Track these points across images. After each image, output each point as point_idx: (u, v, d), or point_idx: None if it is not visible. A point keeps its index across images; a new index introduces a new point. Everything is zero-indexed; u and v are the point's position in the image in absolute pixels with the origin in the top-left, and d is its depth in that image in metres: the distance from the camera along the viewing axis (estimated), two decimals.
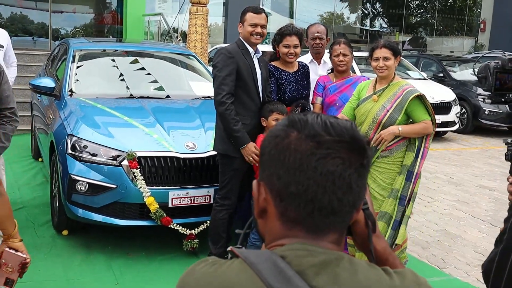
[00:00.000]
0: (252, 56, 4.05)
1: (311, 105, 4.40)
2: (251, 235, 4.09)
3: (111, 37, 16.77)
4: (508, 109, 11.72)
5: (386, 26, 23.69)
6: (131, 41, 7.03)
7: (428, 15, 24.16)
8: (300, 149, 0.96)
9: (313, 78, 4.54)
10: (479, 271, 4.48)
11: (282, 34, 4.23)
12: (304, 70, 4.40)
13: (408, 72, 12.02)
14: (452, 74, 12.94)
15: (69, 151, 4.36)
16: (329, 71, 4.50)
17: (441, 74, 12.91)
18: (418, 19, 24.38)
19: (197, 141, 4.49)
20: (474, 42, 21.73)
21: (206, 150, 4.43)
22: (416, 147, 3.79)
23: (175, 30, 12.57)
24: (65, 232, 4.71)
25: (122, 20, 13.81)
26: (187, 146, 4.41)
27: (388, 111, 3.77)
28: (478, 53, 16.65)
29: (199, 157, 4.38)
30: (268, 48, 5.28)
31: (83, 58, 5.76)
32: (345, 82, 4.30)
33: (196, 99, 5.52)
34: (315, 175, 0.95)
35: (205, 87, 5.75)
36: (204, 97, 5.56)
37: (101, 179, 4.25)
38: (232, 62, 3.91)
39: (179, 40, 11.61)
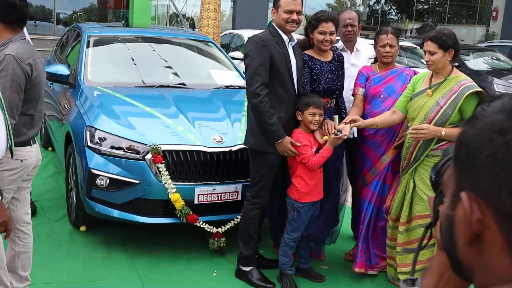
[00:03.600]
0: (287, 44, 3.78)
1: (352, 97, 4.14)
2: (285, 235, 3.84)
3: (114, 21, 16.45)
4: None
5: (397, 12, 23.34)
6: (146, 26, 6.74)
7: (437, 2, 23.80)
8: None
9: (345, 67, 4.27)
10: None
11: (318, 19, 3.93)
12: (339, 59, 4.12)
13: (423, 61, 11.74)
14: (466, 63, 12.65)
15: (89, 143, 4.10)
16: (372, 60, 4.22)
17: (456, 64, 12.61)
18: (428, 7, 24.00)
19: (224, 134, 4.23)
20: (485, 31, 21.39)
21: (234, 143, 4.17)
22: None
23: (184, 15, 12.26)
24: (83, 228, 4.47)
25: (128, 4, 13.46)
26: (214, 139, 4.15)
27: (441, 107, 3.50)
28: (491, 42, 16.36)
29: (226, 151, 4.13)
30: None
31: (98, 44, 5.47)
32: (390, 73, 4.02)
33: (218, 88, 5.25)
34: None
35: (226, 76, 5.48)
36: (226, 87, 5.30)
37: (123, 174, 4.00)
38: (266, 51, 3.64)
39: (188, 25, 11.31)
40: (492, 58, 13.52)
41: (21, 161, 2.97)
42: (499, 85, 11.57)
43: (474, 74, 12.16)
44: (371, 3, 22.94)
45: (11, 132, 2.59)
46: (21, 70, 2.83)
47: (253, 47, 3.66)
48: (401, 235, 3.72)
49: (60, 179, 5.81)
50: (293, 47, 3.84)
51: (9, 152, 2.66)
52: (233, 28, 15.03)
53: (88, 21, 15.91)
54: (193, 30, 11.82)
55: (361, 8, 22.95)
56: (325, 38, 3.89)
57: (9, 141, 2.58)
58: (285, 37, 3.76)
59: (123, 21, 6.10)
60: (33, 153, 3.06)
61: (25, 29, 5.07)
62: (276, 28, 3.77)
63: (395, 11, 23.79)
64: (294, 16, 3.70)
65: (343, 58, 4.20)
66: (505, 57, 13.76)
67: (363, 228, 4.02)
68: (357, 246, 4.12)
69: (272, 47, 3.67)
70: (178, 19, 11.78)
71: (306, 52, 4.04)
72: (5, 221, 2.34)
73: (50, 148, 6.74)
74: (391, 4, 23.45)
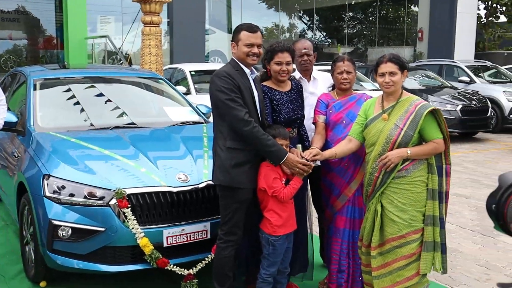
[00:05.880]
0: (249, 77, 3.75)
1: (314, 124, 4.15)
2: (261, 271, 3.75)
3: (46, 62, 16.01)
4: (460, 115, 11.96)
5: (327, 38, 23.98)
6: (84, 66, 6.55)
7: (364, 26, 24.68)
8: None
9: (304, 96, 4.29)
10: (491, 286, 4.36)
11: (273, 50, 3.94)
12: (297, 88, 4.14)
13: (361, 83, 12.07)
14: None
15: (47, 193, 3.88)
16: (330, 88, 4.27)
17: None
18: (358, 31, 24.84)
19: (189, 172, 4.12)
20: (413, 51, 22.32)
21: (200, 181, 4.07)
22: (436, 167, 3.60)
23: (122, 53, 12.08)
24: (43, 284, 4.20)
25: (63, 44, 13.14)
26: (179, 178, 4.03)
27: (402, 129, 3.56)
28: (420, 61, 17.07)
29: (193, 190, 4.02)
30: None
31: (45, 87, 5.25)
32: (349, 99, 4.07)
33: (174, 125, 5.14)
34: None
35: (181, 112, 5.39)
36: (183, 123, 5.20)
37: (87, 222, 3.80)
38: (235, 84, 3.59)
39: (128, 63, 11.14)
40: (423, 76, 14.09)
41: None
42: (434, 102, 12.01)
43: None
44: (299, 30, 23.42)
45: None
46: None
47: (223, 82, 3.57)
48: (374, 260, 3.71)
49: (9, 232, 5.48)
50: (253, 79, 3.82)
51: None
52: (171, 62, 14.94)
53: (18, 63, 15.40)
54: (130, 66, 11.67)
55: (289, 35, 23.40)
56: (282, 68, 3.90)
57: None
58: (247, 70, 3.73)
59: (64, 62, 5.87)
60: None
61: None
62: (237, 61, 3.73)
63: (325, 37, 24.45)
64: (255, 50, 3.68)
65: (301, 87, 4.21)
66: (435, 74, 14.37)
67: (345, 256, 4.02)
68: (334, 274, 4.08)
69: (237, 80, 3.62)
70: (115, 56, 11.59)
71: (264, 83, 4.02)
72: None
73: None
74: (321, 30, 24.09)
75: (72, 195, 3.85)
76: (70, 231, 3.81)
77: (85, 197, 3.83)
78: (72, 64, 11.13)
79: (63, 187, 3.88)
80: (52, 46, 15.97)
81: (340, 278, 4.05)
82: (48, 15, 15.74)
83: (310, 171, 3.67)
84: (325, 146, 4.03)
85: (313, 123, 4.18)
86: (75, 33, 12.14)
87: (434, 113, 3.59)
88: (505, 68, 16.18)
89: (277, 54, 3.90)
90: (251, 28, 3.71)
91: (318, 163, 4.13)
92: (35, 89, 5.11)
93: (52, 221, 3.81)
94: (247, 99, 3.61)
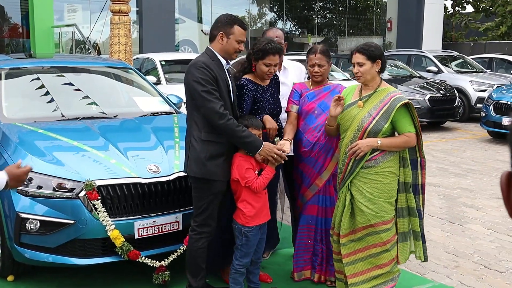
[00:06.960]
0: (225, 68, 3.70)
1: (286, 113, 4.14)
2: (234, 262, 3.74)
3: (12, 51, 15.62)
4: (428, 105, 12.13)
5: (297, 28, 23.99)
6: (51, 55, 6.37)
7: (334, 16, 24.76)
8: None
9: None
10: (459, 273, 4.44)
11: (266, 51, 3.78)
12: (275, 81, 4.10)
13: (332, 73, 12.11)
14: None
15: None
16: (307, 76, 4.26)
17: None
18: (328, 21, 24.90)
19: (160, 163, 4.07)
20: (382, 41, 22.49)
21: (171, 172, 4.03)
22: (410, 161, 3.64)
23: (90, 42, 11.86)
24: (10, 278, 4.11)
25: (29, 32, 12.82)
26: (150, 169, 3.98)
27: (374, 118, 3.58)
28: (389, 51, 17.22)
29: (164, 181, 3.97)
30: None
31: (11, 77, 5.11)
32: (323, 90, 4.08)
33: (144, 116, 5.06)
34: None
35: (151, 103, 5.32)
36: (153, 113, 5.13)
37: (55, 215, 3.73)
38: (212, 75, 3.54)
39: (96, 52, 10.94)
40: (392, 66, 14.22)
41: None
42: (403, 92, 12.09)
43: None
44: (270, 19, 23.35)
45: None
46: None
47: (200, 72, 3.51)
48: (344, 247, 3.75)
49: None
50: (227, 70, 3.77)
51: None
52: (141, 52, 14.74)
53: None
54: (99, 55, 11.47)
55: (260, 25, 23.33)
56: (270, 70, 3.83)
57: None
58: (223, 61, 3.68)
59: (30, 51, 5.66)
60: None
61: None
62: (215, 52, 3.65)
63: (296, 26, 24.44)
64: (242, 47, 3.66)
65: (278, 79, 4.17)
66: (404, 64, 14.53)
67: (319, 242, 4.07)
68: (308, 258, 4.12)
69: (215, 71, 3.57)
70: (83, 45, 11.37)
71: (248, 77, 3.93)
72: None
73: None
74: (291, 19, 24.06)
75: (40, 187, 3.77)
76: (38, 224, 3.73)
77: (53, 189, 3.76)
78: (38, 53, 10.86)
79: (31, 179, 3.79)
80: (18, 35, 15.58)
81: (314, 261, 4.10)
82: (13, 2, 15.33)
83: (286, 158, 3.67)
84: (296, 136, 4.04)
85: (286, 112, 4.17)
86: (41, 21, 11.86)
87: (407, 106, 3.62)
88: (471, 58, 16.46)
89: (269, 56, 3.79)
90: (244, 25, 3.68)
91: (291, 152, 4.13)
92: (0, 79, 4.98)
93: (20, 214, 3.73)
94: (223, 91, 3.57)
